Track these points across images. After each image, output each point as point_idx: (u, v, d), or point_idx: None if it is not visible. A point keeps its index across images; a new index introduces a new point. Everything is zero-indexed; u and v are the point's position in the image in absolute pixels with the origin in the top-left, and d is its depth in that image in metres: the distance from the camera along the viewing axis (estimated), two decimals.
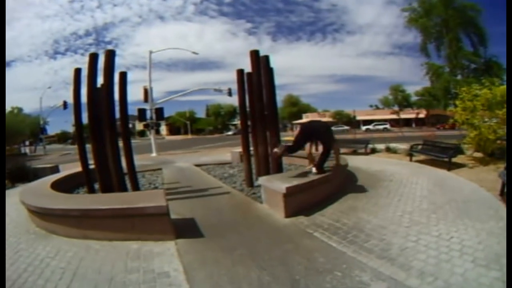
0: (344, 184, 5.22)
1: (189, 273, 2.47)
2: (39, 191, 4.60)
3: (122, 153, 5.20)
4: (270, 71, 5.60)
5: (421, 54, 21.95)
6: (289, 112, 53.27)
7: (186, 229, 3.45)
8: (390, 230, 3.22)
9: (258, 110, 5.64)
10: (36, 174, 7.13)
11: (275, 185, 4.07)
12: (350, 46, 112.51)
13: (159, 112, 16.63)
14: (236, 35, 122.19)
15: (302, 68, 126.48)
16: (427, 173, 6.13)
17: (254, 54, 5.54)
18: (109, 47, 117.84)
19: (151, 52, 16.99)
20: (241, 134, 6.42)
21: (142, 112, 16.84)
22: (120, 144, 5.08)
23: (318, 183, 4.40)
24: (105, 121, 4.82)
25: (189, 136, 52.00)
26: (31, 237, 3.58)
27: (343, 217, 3.71)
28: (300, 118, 51.59)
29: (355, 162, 7.72)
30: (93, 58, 4.79)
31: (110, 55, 4.91)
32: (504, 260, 2.45)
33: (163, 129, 63.39)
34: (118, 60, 4.97)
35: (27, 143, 34.74)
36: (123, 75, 5.31)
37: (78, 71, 4.95)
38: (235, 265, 2.58)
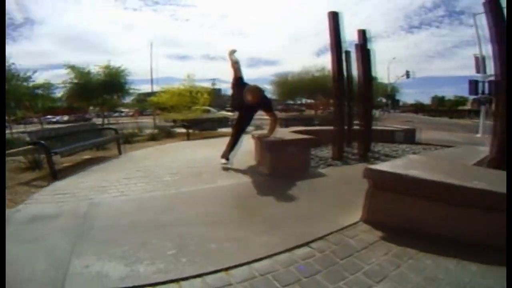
0: None
1: None
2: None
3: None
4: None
5: None
6: None
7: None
8: None
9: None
10: None
11: (381, 166, 2.44)
12: None
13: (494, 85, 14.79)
14: None
15: None
16: None
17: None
18: (462, 17, 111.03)
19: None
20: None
21: (473, 84, 15.36)
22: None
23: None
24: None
25: None
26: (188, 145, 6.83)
27: None
28: None
29: None
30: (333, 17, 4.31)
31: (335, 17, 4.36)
32: None
33: None
34: None
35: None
36: (362, 33, 4.87)
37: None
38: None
